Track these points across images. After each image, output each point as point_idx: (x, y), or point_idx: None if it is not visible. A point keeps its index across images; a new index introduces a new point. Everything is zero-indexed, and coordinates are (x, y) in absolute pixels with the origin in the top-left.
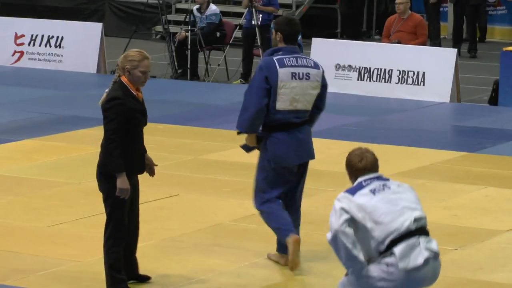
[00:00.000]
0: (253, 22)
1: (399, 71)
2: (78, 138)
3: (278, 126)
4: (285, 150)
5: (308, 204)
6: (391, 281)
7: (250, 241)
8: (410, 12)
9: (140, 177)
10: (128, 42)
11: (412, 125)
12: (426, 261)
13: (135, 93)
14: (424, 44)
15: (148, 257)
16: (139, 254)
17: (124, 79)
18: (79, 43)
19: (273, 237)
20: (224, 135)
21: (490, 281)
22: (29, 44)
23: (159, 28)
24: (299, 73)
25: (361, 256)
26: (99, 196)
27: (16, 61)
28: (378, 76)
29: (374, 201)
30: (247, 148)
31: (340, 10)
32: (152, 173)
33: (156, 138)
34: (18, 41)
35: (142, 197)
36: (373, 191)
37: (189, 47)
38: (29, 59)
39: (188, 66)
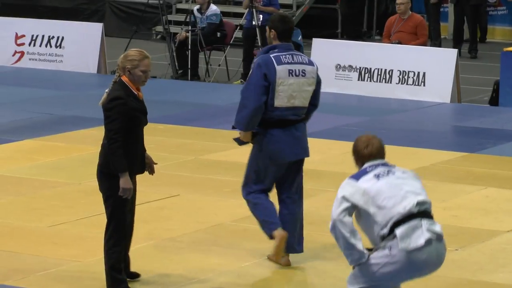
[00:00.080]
0: (254, 23)
1: (400, 71)
2: (78, 138)
3: (275, 123)
4: (281, 147)
5: (308, 204)
6: (394, 263)
7: (250, 241)
8: (410, 12)
9: (140, 177)
10: (128, 43)
11: (412, 125)
12: (428, 241)
13: (136, 93)
14: (424, 44)
15: (148, 257)
16: (140, 254)
17: (125, 78)
18: (79, 43)
19: None
20: (225, 135)
21: (490, 281)
22: (29, 44)
23: (159, 28)
24: (295, 70)
25: (360, 245)
26: (100, 196)
27: (16, 61)
28: (379, 76)
29: (377, 186)
30: (240, 142)
31: (340, 10)
32: (152, 172)
33: (156, 138)
34: (19, 41)
35: (143, 197)
36: (377, 176)
37: (189, 47)
38: (30, 59)
39: (189, 67)
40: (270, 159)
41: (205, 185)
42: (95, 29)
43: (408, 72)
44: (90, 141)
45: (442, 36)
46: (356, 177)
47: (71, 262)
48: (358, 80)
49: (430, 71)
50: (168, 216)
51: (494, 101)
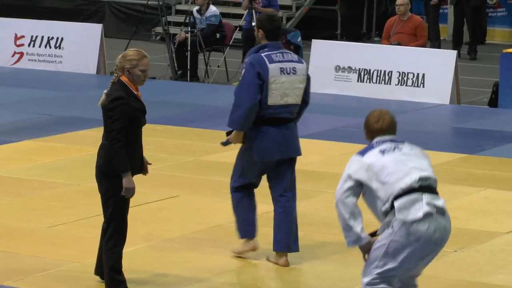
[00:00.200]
0: (253, 24)
1: (399, 72)
2: (78, 139)
3: (267, 121)
4: (270, 144)
5: (308, 205)
6: (397, 240)
7: None
8: (410, 13)
9: (140, 178)
10: (128, 43)
11: (411, 126)
12: (427, 214)
13: (136, 93)
14: (424, 45)
15: (147, 257)
16: (139, 255)
17: (124, 78)
18: (79, 44)
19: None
20: (224, 137)
21: (489, 283)
22: (29, 45)
23: (159, 29)
24: (286, 68)
25: (357, 228)
26: (99, 197)
27: (16, 62)
28: (378, 77)
29: (382, 161)
30: (226, 143)
31: (340, 12)
32: (145, 172)
33: (156, 139)
34: (18, 42)
35: (142, 198)
36: (383, 152)
37: (189, 48)
38: (29, 60)
39: (188, 68)
40: (260, 157)
41: (204, 186)
42: (95, 30)
43: (408, 73)
44: (90, 142)
45: (441, 38)
46: (362, 152)
47: (71, 262)
48: (358, 81)
49: (430, 72)
50: (167, 217)
51: (493, 102)
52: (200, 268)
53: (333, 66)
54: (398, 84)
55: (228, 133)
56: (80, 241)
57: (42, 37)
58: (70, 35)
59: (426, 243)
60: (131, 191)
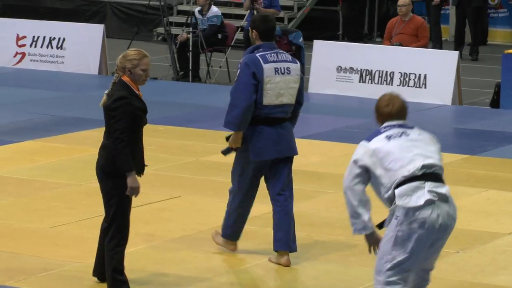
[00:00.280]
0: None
1: (401, 73)
2: (79, 139)
3: (262, 120)
4: (265, 144)
5: (309, 206)
6: (403, 228)
7: (251, 242)
8: (412, 14)
9: (141, 178)
10: (129, 44)
11: None
12: (428, 202)
13: (137, 92)
14: (425, 46)
15: (149, 258)
16: (140, 255)
17: (125, 78)
18: (80, 45)
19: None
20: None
21: (491, 284)
22: (30, 46)
23: (160, 30)
24: (281, 68)
25: (365, 216)
26: (101, 197)
27: (17, 63)
28: (380, 78)
29: (387, 147)
30: (227, 151)
31: (341, 12)
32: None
33: (157, 139)
34: (20, 43)
35: (143, 199)
36: (389, 137)
37: (190, 49)
38: (31, 60)
39: (190, 68)
40: (255, 157)
41: (205, 187)
42: (96, 30)
43: (409, 74)
44: (91, 142)
45: (443, 38)
46: (369, 138)
47: (72, 263)
48: (359, 82)
49: (431, 73)
50: (168, 217)
51: (495, 103)
52: (202, 268)
53: (334, 66)
54: (399, 85)
55: (227, 138)
56: (82, 241)
57: (44, 37)
58: (72, 36)
59: (430, 229)
60: (136, 190)
